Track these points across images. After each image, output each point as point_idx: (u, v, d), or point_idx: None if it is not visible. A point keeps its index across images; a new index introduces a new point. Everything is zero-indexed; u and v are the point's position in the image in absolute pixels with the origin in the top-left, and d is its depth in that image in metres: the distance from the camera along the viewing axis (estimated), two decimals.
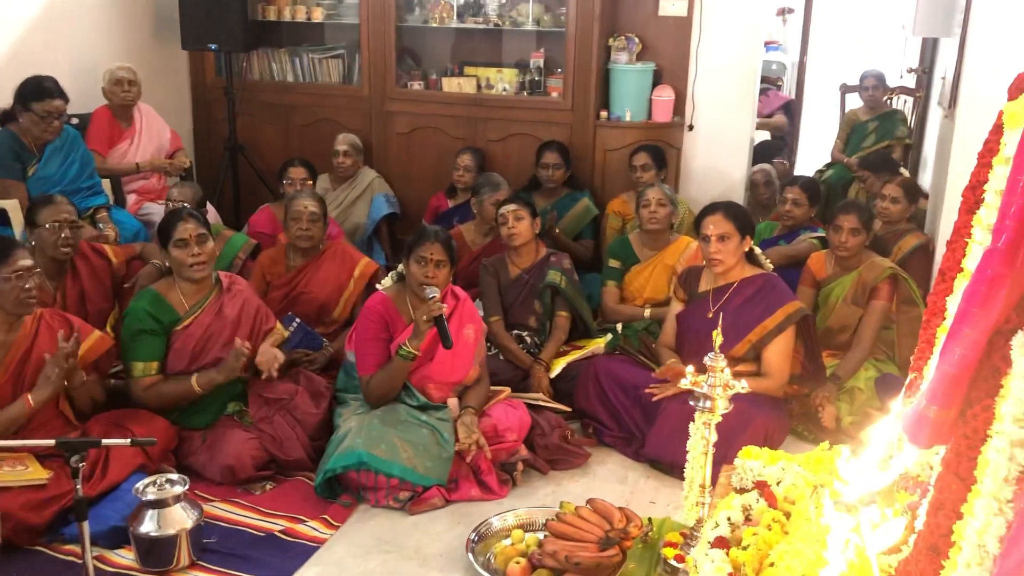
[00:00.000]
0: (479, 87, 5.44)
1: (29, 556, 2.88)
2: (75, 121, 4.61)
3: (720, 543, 2.18)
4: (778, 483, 2.38)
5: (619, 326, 4.20)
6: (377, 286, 3.73)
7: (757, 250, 3.77)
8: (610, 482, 3.45)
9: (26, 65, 4.45)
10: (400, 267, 3.55)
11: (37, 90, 4.22)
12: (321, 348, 4.00)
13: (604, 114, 5.19)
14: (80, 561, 2.82)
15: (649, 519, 2.93)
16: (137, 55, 5.39)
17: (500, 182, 4.84)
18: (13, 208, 4.12)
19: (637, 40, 5.18)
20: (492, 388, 3.63)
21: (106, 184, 4.71)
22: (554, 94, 5.27)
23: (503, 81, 5.41)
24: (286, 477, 3.39)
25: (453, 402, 3.47)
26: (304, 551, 2.96)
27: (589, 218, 5.09)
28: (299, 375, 3.65)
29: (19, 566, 2.81)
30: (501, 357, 4.05)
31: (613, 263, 4.46)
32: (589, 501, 2.97)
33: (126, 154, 4.99)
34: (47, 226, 3.55)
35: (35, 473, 2.97)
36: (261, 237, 4.64)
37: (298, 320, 4.01)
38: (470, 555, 2.85)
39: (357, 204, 5.43)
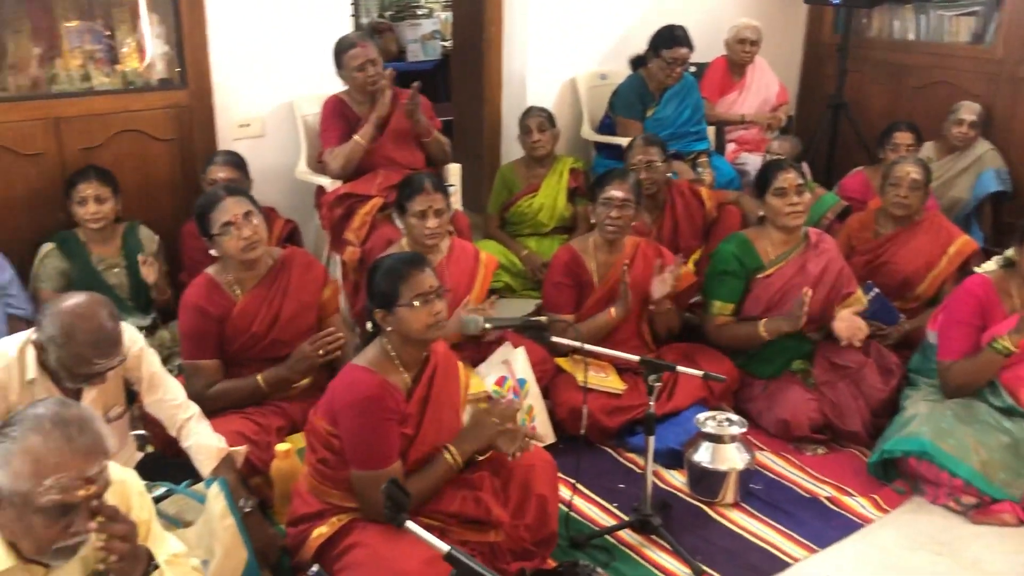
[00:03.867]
0: None
1: (600, 455, 3.24)
2: (692, 69, 4.90)
3: None
4: None
5: None
6: (976, 269, 3.38)
7: None
8: None
9: (665, 14, 4.84)
10: (1009, 251, 3.15)
11: (668, 38, 4.57)
12: (896, 323, 3.76)
13: None
14: (639, 471, 3.11)
15: None
16: (758, 7, 5.52)
17: None
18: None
19: None
20: None
21: (710, 131, 4.96)
22: None
23: None
24: (840, 447, 3.29)
25: None
26: (847, 525, 2.86)
27: None
28: (870, 347, 3.48)
29: (594, 461, 3.17)
30: None
31: None
32: None
33: (733, 104, 5.18)
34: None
35: (614, 383, 3.32)
36: (851, 201, 4.49)
37: (877, 290, 3.81)
38: None
39: (961, 177, 4.94)
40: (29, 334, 2.45)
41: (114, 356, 2.36)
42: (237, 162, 3.77)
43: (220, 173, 3.66)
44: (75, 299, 2.35)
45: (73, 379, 2.37)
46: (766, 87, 5.25)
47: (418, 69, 6.76)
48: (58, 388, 2.44)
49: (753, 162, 4.98)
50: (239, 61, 4.07)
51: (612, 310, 3.37)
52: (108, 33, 3.88)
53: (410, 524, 1.78)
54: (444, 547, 1.72)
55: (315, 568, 2.18)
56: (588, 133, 4.99)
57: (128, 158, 3.83)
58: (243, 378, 2.97)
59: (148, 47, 3.98)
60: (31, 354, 2.42)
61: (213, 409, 2.82)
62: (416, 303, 2.35)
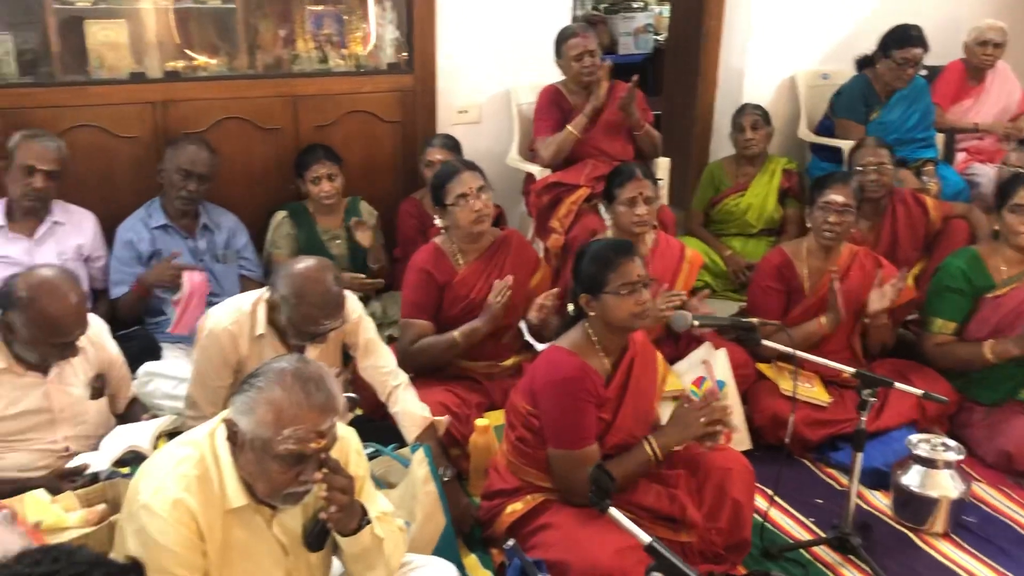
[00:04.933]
0: None
1: (798, 467, 3.13)
2: (924, 72, 4.61)
3: None
4: None
5: None
6: None
7: None
8: None
9: (896, 14, 4.57)
10: None
11: (901, 37, 4.32)
12: None
13: None
14: (839, 487, 2.98)
15: None
16: (1003, 7, 5.12)
17: None
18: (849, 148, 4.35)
19: None
20: None
21: (939, 139, 4.65)
22: None
23: None
24: None
25: None
26: None
27: None
28: None
29: (792, 473, 3.07)
30: None
31: None
32: None
33: (967, 112, 4.84)
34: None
35: (820, 394, 3.19)
36: None
37: None
38: None
39: None
40: (262, 293, 2.65)
41: (337, 317, 2.52)
42: (453, 145, 3.91)
43: (437, 155, 3.81)
44: (306, 263, 2.53)
45: (299, 337, 2.55)
46: (1007, 94, 4.86)
47: (628, 62, 6.75)
48: (284, 345, 2.63)
49: (986, 174, 4.63)
50: (463, 50, 4.21)
51: (822, 319, 3.23)
52: (345, 18, 4.13)
53: (613, 511, 1.78)
54: (646, 538, 1.72)
55: (511, 542, 2.23)
56: (805, 134, 4.81)
57: (355, 137, 4.06)
58: (441, 336, 3.06)
59: (373, 33, 4.20)
60: (262, 311, 2.62)
61: (415, 364, 2.97)
62: (623, 291, 2.35)
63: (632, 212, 3.18)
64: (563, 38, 3.97)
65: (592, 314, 2.42)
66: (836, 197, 3.23)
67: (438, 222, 3.15)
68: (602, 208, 3.53)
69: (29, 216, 3.27)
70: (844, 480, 2.59)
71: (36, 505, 2.06)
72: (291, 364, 1.77)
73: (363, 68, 4.15)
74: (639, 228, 3.21)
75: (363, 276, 3.68)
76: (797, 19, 4.83)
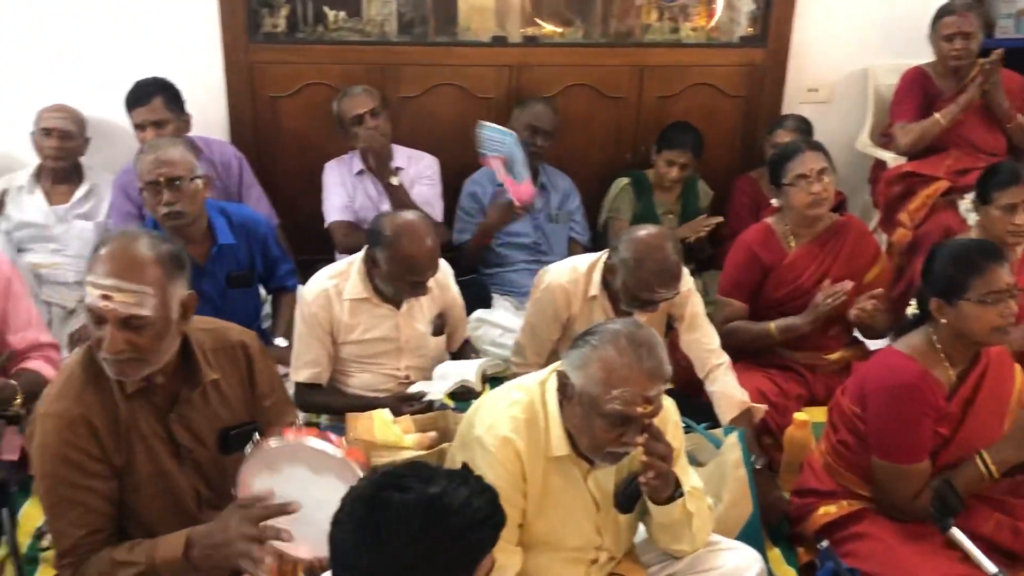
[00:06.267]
0: None
1: None
2: None
3: None
4: None
5: None
6: None
7: None
8: None
9: None
10: None
11: None
12: None
13: None
14: None
15: None
16: None
17: None
18: None
19: None
20: None
21: None
22: None
23: None
24: None
25: None
26: None
27: None
28: None
29: None
30: None
31: None
32: None
33: None
34: None
35: None
36: None
37: None
38: None
39: None
40: (600, 255, 2.73)
41: (672, 288, 2.54)
42: (805, 128, 3.75)
43: (787, 138, 3.67)
44: (649, 230, 2.57)
45: (630, 303, 2.59)
46: None
47: (1007, 47, 6.02)
48: (614, 309, 2.69)
49: None
50: (821, 25, 4.00)
51: None
52: None
53: (956, 532, 1.64)
54: (991, 567, 1.56)
55: (825, 543, 2.13)
56: None
57: (696, 110, 4.01)
58: (756, 322, 2.99)
59: (719, 5, 4.09)
60: (598, 273, 2.70)
61: (724, 344, 2.87)
62: (988, 300, 2.13)
63: (1009, 220, 2.84)
64: (940, 14, 3.66)
65: (943, 320, 2.21)
66: None
67: (774, 202, 3.06)
68: (962, 205, 3.21)
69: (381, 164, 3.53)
70: None
71: (382, 423, 2.29)
72: (626, 327, 1.80)
73: (714, 41, 4.09)
74: (1013, 239, 2.87)
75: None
76: None
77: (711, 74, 4.03)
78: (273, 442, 1.68)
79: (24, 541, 2.20)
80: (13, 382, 2.33)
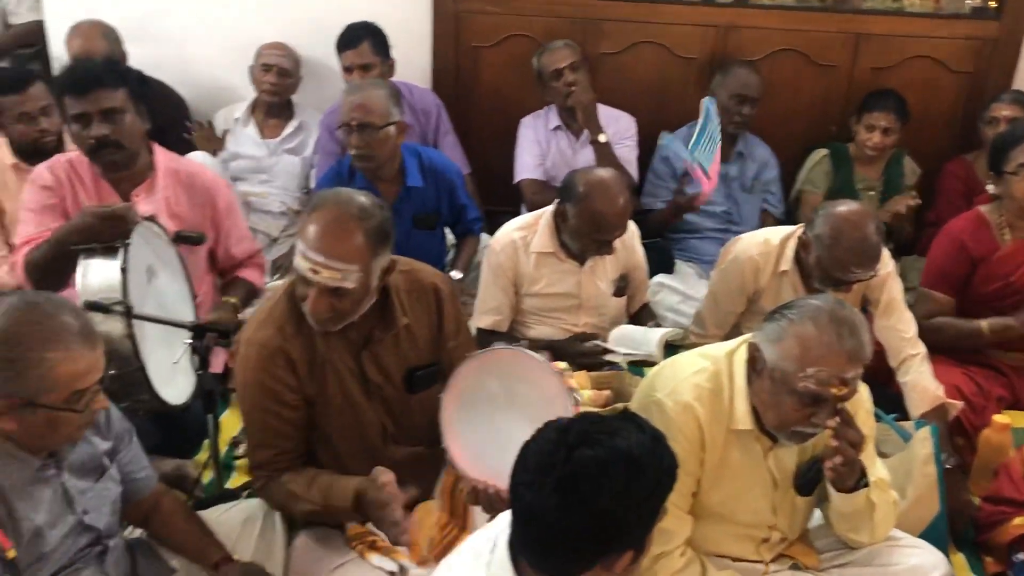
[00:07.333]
0: None
1: None
2: None
3: None
4: None
5: None
6: None
7: None
8: None
9: None
10: None
11: None
12: None
13: None
14: None
15: None
16: None
17: None
18: None
19: None
20: None
21: None
22: None
23: None
24: None
25: None
26: None
27: None
28: None
29: None
30: None
31: None
32: None
33: None
34: None
35: None
36: None
37: None
38: None
39: None
40: (795, 229, 2.62)
41: (869, 268, 2.41)
42: None
43: (1005, 111, 3.39)
44: (850, 206, 2.44)
45: (824, 281, 2.48)
46: None
47: None
48: (804, 286, 2.58)
49: None
50: None
51: None
52: None
53: None
54: None
55: (1021, 556, 1.99)
56: None
57: (914, 85, 3.74)
58: (965, 320, 2.79)
59: None
60: (791, 248, 2.59)
61: (927, 341, 2.69)
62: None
63: None
64: None
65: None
66: None
67: (989, 189, 2.82)
68: None
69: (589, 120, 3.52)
70: None
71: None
72: (828, 304, 1.72)
73: (940, 11, 3.79)
74: None
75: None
76: None
77: (934, 47, 3.74)
78: (499, 345, 1.82)
79: (222, 449, 2.37)
80: (240, 317, 2.55)
